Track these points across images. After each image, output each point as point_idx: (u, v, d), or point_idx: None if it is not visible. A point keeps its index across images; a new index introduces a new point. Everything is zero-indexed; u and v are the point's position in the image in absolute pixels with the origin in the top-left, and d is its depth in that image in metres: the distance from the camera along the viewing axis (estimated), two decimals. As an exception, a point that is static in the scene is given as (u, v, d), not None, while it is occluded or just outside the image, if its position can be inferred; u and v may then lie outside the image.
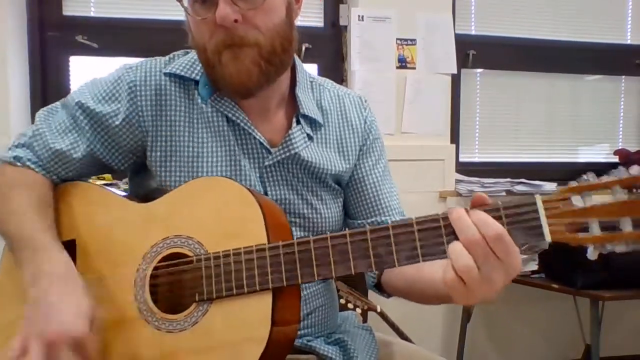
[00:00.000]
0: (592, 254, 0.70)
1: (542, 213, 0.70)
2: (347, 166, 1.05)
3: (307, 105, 1.01)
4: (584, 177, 0.70)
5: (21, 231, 0.89)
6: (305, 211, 1.00)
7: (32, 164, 0.97)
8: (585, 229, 0.70)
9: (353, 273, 0.78)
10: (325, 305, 1.05)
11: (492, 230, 0.69)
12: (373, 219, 1.06)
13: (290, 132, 0.98)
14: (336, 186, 1.05)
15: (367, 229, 0.77)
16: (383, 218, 1.06)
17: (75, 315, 0.80)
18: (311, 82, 1.06)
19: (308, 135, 1.00)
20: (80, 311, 0.80)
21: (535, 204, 0.70)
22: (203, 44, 0.91)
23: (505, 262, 0.69)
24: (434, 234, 0.74)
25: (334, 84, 1.12)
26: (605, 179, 0.69)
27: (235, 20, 0.87)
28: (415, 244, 0.74)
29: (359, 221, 1.07)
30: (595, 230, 0.69)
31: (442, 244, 0.73)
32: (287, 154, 0.98)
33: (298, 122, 1.00)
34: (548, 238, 0.70)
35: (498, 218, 0.70)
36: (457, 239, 0.70)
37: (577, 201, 0.70)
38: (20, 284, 0.94)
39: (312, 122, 1.02)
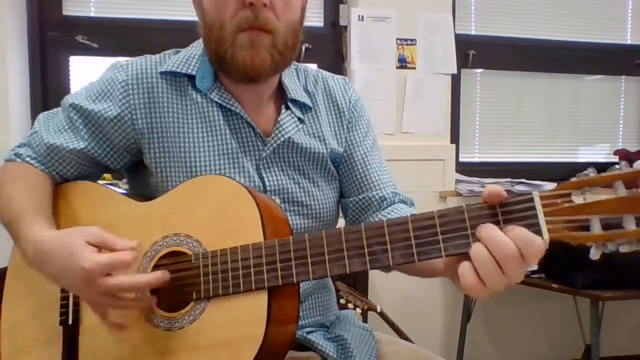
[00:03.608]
0: (594, 253, 0.67)
1: (539, 210, 0.67)
2: (340, 147, 1.07)
3: (295, 90, 1.03)
4: (585, 172, 0.68)
5: (14, 215, 0.91)
6: (302, 199, 1.02)
7: (31, 159, 1.00)
8: (586, 227, 0.66)
9: (348, 272, 0.77)
10: (320, 289, 1.06)
11: (506, 253, 0.67)
12: (364, 195, 1.06)
13: (279, 118, 1.00)
14: (332, 168, 1.06)
15: (362, 228, 0.76)
16: (374, 193, 1.06)
17: (78, 253, 0.80)
18: (295, 68, 1.09)
19: (299, 118, 1.02)
20: (78, 248, 0.81)
21: (532, 200, 0.68)
22: (221, 21, 0.92)
23: (512, 278, 0.69)
24: (429, 233, 0.73)
25: (317, 68, 1.14)
26: (606, 173, 0.65)
27: (264, 5, 0.89)
28: (410, 243, 0.73)
29: (351, 199, 1.07)
30: (597, 228, 0.65)
31: (437, 242, 0.72)
32: (281, 139, 0.99)
33: (287, 108, 1.02)
34: (546, 237, 0.67)
35: (494, 216, 0.69)
36: (453, 239, 0.70)
37: (577, 197, 0.66)
38: (24, 285, 0.95)
39: (302, 106, 1.04)
